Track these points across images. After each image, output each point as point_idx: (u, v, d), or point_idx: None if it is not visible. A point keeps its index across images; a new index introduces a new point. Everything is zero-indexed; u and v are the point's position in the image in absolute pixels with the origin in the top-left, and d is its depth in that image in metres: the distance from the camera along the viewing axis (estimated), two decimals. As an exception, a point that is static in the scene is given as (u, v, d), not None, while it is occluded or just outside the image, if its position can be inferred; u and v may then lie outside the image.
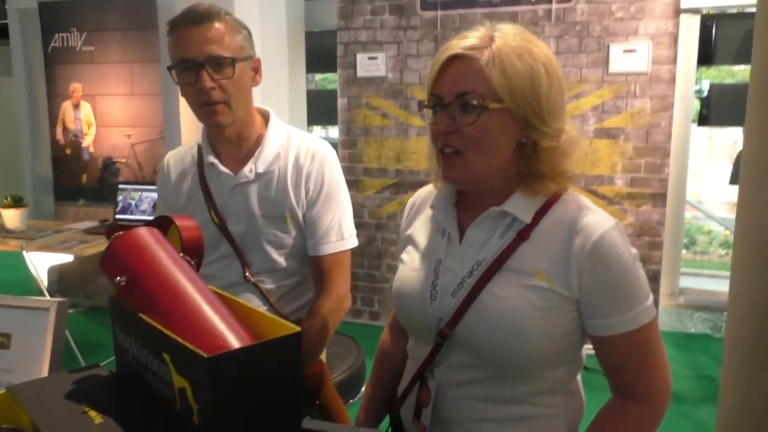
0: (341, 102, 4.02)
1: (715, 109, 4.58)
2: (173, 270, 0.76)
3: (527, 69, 0.96)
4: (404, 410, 1.16)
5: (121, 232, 0.84)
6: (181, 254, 0.84)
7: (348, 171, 4.01)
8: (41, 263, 3.34)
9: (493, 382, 1.03)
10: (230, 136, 1.37)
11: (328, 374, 1.57)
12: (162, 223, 0.90)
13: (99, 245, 3.36)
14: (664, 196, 3.47)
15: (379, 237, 4.06)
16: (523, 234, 1.02)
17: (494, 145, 0.99)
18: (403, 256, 1.18)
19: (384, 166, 3.98)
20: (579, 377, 1.12)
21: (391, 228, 4.01)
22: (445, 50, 1.00)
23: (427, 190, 1.23)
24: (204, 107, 1.30)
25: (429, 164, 1.10)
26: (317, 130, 7.06)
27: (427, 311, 1.05)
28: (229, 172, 1.40)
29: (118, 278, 0.76)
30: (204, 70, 1.25)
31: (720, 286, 4.89)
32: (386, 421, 1.28)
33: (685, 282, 4.42)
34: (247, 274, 1.40)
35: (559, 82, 1.00)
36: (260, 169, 1.39)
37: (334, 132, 7.67)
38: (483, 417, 1.04)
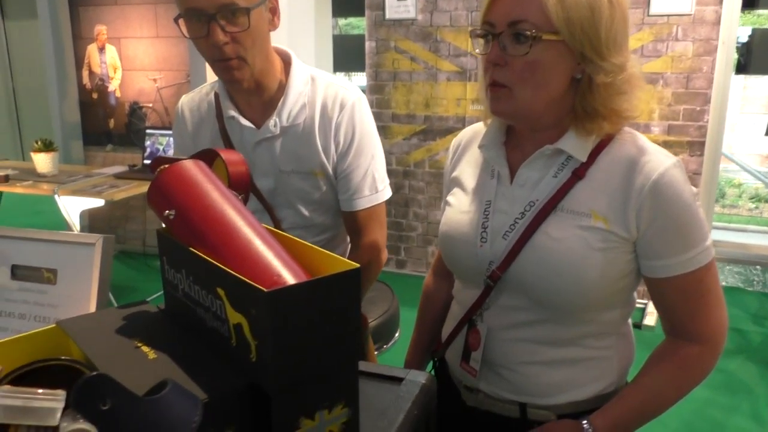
0: (369, 45, 3.92)
1: (756, 56, 4.39)
2: (223, 204, 0.73)
3: None
4: (450, 354, 1.14)
5: (167, 165, 0.81)
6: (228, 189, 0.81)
7: (375, 117, 3.91)
8: (73, 207, 3.36)
9: (545, 324, 1.01)
10: (249, 87, 1.26)
11: (366, 322, 1.56)
12: (206, 156, 0.87)
13: (128, 189, 3.37)
14: (702, 144, 3.37)
15: (406, 184, 4.02)
16: (579, 173, 0.98)
17: (545, 80, 0.94)
18: (450, 198, 1.14)
19: (412, 111, 3.91)
20: (630, 320, 1.10)
21: (419, 176, 3.97)
22: None
23: (473, 130, 1.19)
24: (218, 63, 1.19)
25: (479, 97, 1.05)
26: (341, 76, 6.94)
27: (477, 254, 1.03)
28: (252, 126, 1.30)
29: (167, 212, 0.74)
30: (215, 23, 1.12)
31: (750, 239, 4.80)
32: (430, 364, 1.27)
33: (714, 235, 4.35)
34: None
35: (623, 14, 0.93)
36: (285, 123, 1.29)
37: (357, 80, 7.56)
38: (534, 360, 1.02)
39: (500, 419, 1.07)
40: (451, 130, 3.83)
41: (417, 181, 3.99)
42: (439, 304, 1.25)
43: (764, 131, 8.46)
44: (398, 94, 3.91)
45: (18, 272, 0.93)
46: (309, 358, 0.62)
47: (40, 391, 0.50)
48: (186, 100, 1.42)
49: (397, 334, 1.79)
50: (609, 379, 1.05)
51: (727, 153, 5.33)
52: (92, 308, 0.88)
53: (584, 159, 0.97)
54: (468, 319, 1.07)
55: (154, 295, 3.75)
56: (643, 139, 1.00)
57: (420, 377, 0.85)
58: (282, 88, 1.30)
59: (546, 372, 1.03)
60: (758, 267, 4.29)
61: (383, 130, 3.94)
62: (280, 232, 0.75)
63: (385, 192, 1.39)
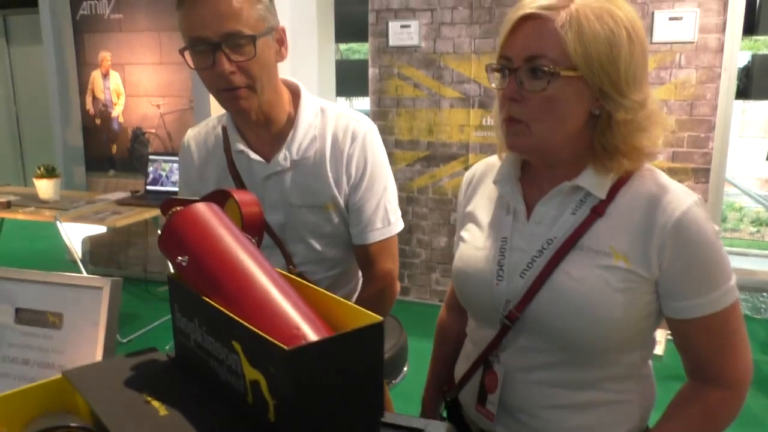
0: (372, 72, 3.93)
1: (756, 81, 4.40)
2: (238, 250, 0.71)
3: (607, 33, 0.88)
4: (464, 395, 1.11)
5: (178, 208, 0.78)
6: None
7: (379, 143, 3.94)
8: (74, 234, 3.34)
9: (564, 366, 0.97)
10: (258, 120, 1.23)
11: None
12: (218, 197, 0.85)
13: (130, 216, 3.35)
14: (707, 171, 3.35)
15: (410, 211, 3.99)
16: (598, 210, 0.95)
17: (563, 116, 0.92)
18: (464, 234, 1.11)
19: (416, 138, 3.90)
20: (650, 361, 1.07)
21: (422, 202, 3.95)
22: (518, 8, 0.92)
23: (486, 164, 1.17)
24: (225, 93, 1.15)
25: (495, 132, 1.03)
26: (342, 101, 6.97)
27: (493, 292, 1.00)
28: (262, 160, 1.27)
29: (180, 258, 0.71)
30: (221, 52, 1.09)
31: (753, 264, 4.76)
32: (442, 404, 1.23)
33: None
34: (290, 266, 1.31)
35: (642, 49, 0.92)
36: (295, 156, 1.26)
37: (358, 103, 7.58)
38: (553, 404, 0.99)
39: None
40: (455, 157, 3.82)
41: (420, 208, 3.97)
42: (455, 340, 1.22)
43: (765, 156, 8.49)
44: (401, 121, 3.91)
45: (22, 316, 0.90)
46: (331, 418, 0.59)
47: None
48: (192, 134, 1.40)
49: (405, 368, 1.75)
50: (630, 423, 1.02)
51: (728, 177, 5.34)
52: (99, 354, 0.84)
53: (603, 196, 0.95)
54: (484, 359, 1.04)
55: (155, 323, 3.70)
56: (663, 176, 0.97)
57: (440, 429, 0.81)
58: (291, 121, 1.27)
59: (566, 417, 0.99)
60: (765, 294, 4.24)
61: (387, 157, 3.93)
62: (296, 278, 0.73)
63: (398, 224, 1.36)
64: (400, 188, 3.96)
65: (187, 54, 1.14)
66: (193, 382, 0.72)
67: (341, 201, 1.29)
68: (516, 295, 0.97)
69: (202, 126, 1.40)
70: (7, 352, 0.89)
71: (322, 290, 0.69)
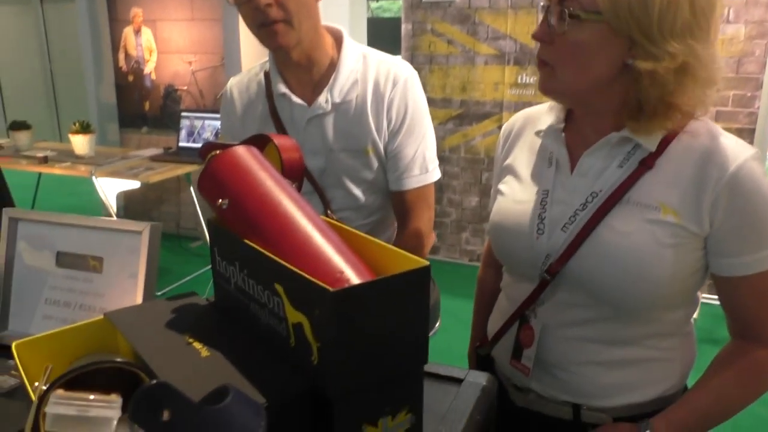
0: (405, 28, 3.83)
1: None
2: (280, 194, 0.69)
3: None
4: (498, 351, 1.09)
5: (218, 151, 0.77)
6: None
7: (411, 101, 3.87)
8: (109, 189, 3.38)
9: (605, 322, 0.95)
10: (299, 60, 1.23)
11: None
12: (258, 142, 0.83)
13: (164, 172, 3.37)
14: (752, 132, 3.22)
15: (441, 170, 3.94)
16: (648, 162, 0.91)
17: (587, 62, 0.87)
18: (502, 187, 1.08)
19: (449, 96, 3.82)
20: (693, 320, 1.03)
21: (454, 161, 3.89)
22: None
23: (525, 115, 1.13)
24: (263, 28, 1.15)
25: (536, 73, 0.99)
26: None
27: (533, 246, 0.97)
28: (303, 103, 1.27)
29: (220, 201, 0.70)
30: None
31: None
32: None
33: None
34: (328, 211, 1.31)
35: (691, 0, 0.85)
36: (337, 99, 1.25)
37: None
38: (591, 360, 0.96)
39: (551, 420, 1.01)
40: (488, 115, 3.75)
41: (452, 167, 3.92)
42: (491, 296, 1.20)
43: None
44: (434, 78, 3.83)
45: (63, 259, 0.90)
46: (374, 362, 0.58)
47: (93, 397, 0.47)
48: (235, 82, 1.39)
49: (437, 324, 1.75)
50: (671, 381, 0.99)
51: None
52: (139, 298, 0.85)
53: (653, 148, 0.91)
54: (520, 314, 1.02)
55: (189, 277, 3.77)
56: (718, 128, 0.92)
57: (481, 378, 0.80)
58: (333, 65, 1.26)
59: (604, 373, 0.97)
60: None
61: (418, 115, 3.87)
62: (339, 224, 0.71)
63: (435, 173, 1.35)
64: (432, 147, 3.91)
65: None
66: (233, 326, 0.71)
67: (381, 146, 1.28)
68: (557, 249, 0.94)
69: (245, 73, 1.39)
70: (49, 295, 0.90)
71: (364, 235, 0.67)
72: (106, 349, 0.74)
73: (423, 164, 1.31)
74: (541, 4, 0.91)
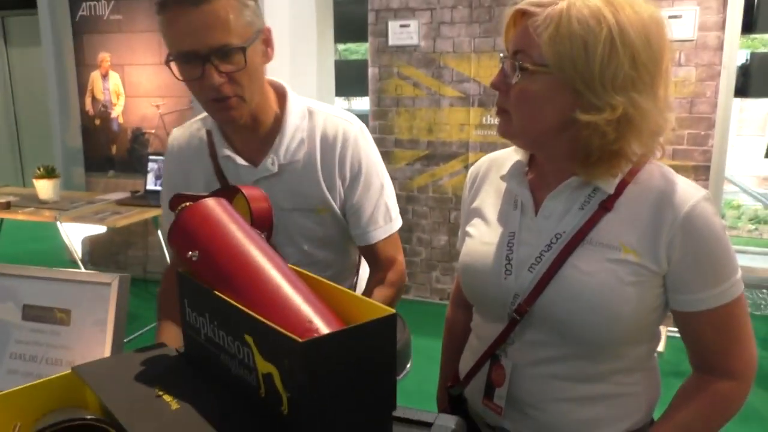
0: (372, 71, 3.92)
1: (754, 79, 4.40)
2: (249, 245, 0.71)
3: (583, 34, 0.86)
4: (470, 390, 1.11)
5: (188, 203, 0.78)
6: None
7: (379, 142, 3.91)
8: (74, 234, 3.33)
9: (573, 360, 0.98)
10: (245, 124, 1.18)
11: None
12: (226, 194, 0.85)
13: (130, 216, 3.34)
14: (707, 168, 3.36)
15: (410, 210, 3.99)
16: (606, 205, 0.96)
17: (537, 110, 0.93)
18: (469, 229, 1.11)
19: (416, 137, 3.90)
20: (656, 355, 1.07)
21: (423, 201, 3.95)
22: (516, 3, 0.94)
23: (490, 159, 1.17)
24: (214, 103, 1.11)
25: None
26: (340, 101, 6.96)
27: (501, 287, 1.00)
28: (249, 165, 1.23)
29: (190, 253, 0.71)
30: (210, 64, 1.05)
31: (752, 262, 4.77)
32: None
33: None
34: None
35: (632, 54, 0.87)
36: (282, 160, 1.22)
37: (357, 104, 7.59)
38: (561, 397, 0.99)
39: None
40: (455, 155, 3.82)
41: (421, 206, 3.97)
42: (463, 336, 1.22)
43: (763, 154, 8.50)
44: (401, 120, 3.91)
45: (29, 312, 0.90)
46: (344, 410, 0.59)
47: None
48: (175, 136, 1.34)
49: (408, 365, 1.75)
50: (637, 415, 1.02)
51: (727, 175, 5.34)
52: (108, 350, 0.84)
53: (611, 191, 0.95)
54: (491, 354, 1.04)
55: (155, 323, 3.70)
56: (670, 171, 0.98)
57: (450, 422, 0.81)
58: (279, 122, 1.23)
59: (574, 410, 0.99)
60: (765, 290, 4.25)
61: (386, 156, 3.93)
62: (306, 273, 0.73)
63: (398, 219, 1.36)
64: (400, 187, 3.96)
65: (173, 64, 1.10)
66: (203, 377, 0.71)
67: (336, 204, 1.27)
68: (524, 289, 0.98)
69: (185, 128, 1.34)
70: (14, 349, 0.89)
71: (332, 284, 0.69)
72: (75, 404, 0.73)
73: (386, 214, 1.32)
74: (501, 55, 0.96)
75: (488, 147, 3.67)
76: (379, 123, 3.95)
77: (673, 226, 0.91)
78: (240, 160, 1.23)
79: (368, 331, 0.59)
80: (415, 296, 4.10)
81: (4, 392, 0.69)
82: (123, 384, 0.70)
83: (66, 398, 0.73)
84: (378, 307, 0.62)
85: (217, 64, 1.06)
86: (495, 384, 1.03)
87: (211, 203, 0.75)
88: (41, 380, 0.72)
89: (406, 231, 4.03)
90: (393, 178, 4.31)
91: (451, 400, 1.20)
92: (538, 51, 0.88)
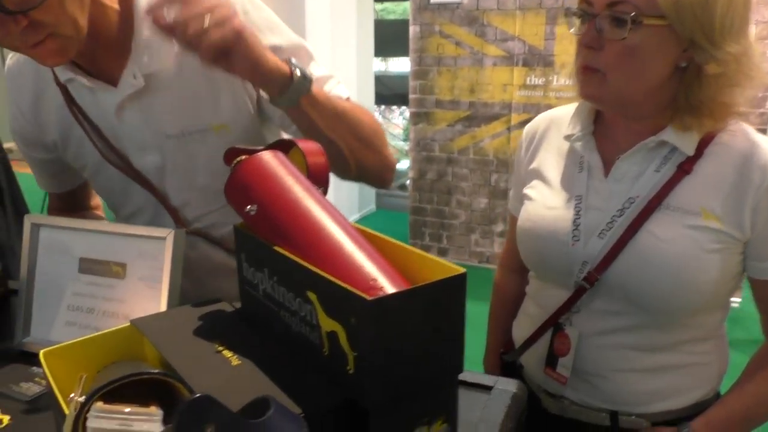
0: (413, 30, 3.83)
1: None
2: (309, 200, 0.68)
3: None
4: (529, 358, 1.08)
5: (244, 157, 0.76)
6: (307, 183, 0.76)
7: (419, 103, 3.87)
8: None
9: (644, 329, 0.94)
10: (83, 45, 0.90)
11: None
12: (281, 147, 0.82)
13: None
14: (763, 131, 3.21)
15: (449, 172, 3.93)
16: (685, 167, 0.90)
17: (643, 68, 0.86)
18: (529, 192, 1.07)
19: (457, 98, 3.81)
20: (725, 322, 1.03)
21: (463, 163, 3.88)
22: None
23: (549, 117, 1.11)
24: (31, 51, 0.86)
25: (571, 78, 0.97)
26: (377, 62, 6.84)
27: (568, 254, 0.95)
28: (106, 86, 0.96)
29: (248, 207, 0.69)
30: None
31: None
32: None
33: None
34: (180, 227, 1.02)
35: None
36: (149, 69, 0.95)
37: (394, 65, 7.47)
38: (630, 367, 0.96)
39: (587, 427, 1.00)
40: (497, 117, 3.73)
41: (461, 169, 3.91)
42: (514, 302, 1.19)
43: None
44: (442, 80, 3.82)
45: (85, 265, 0.90)
46: (412, 371, 0.57)
47: (133, 410, 0.46)
48: (12, 63, 1.05)
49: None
50: (708, 386, 0.99)
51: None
52: (163, 304, 0.84)
53: (691, 152, 0.90)
54: (554, 322, 1.00)
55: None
56: (753, 132, 0.92)
57: (510, 386, 0.79)
58: (126, 21, 0.95)
59: (642, 380, 0.96)
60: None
61: (426, 117, 3.86)
62: (368, 230, 0.70)
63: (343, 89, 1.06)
64: (441, 149, 3.90)
65: None
66: (263, 333, 0.70)
67: (250, 109, 1.01)
68: (594, 256, 0.93)
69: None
70: (71, 301, 0.89)
71: (396, 241, 0.66)
72: (133, 357, 0.73)
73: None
74: (573, 10, 0.90)
75: (531, 108, 3.57)
76: (420, 83, 3.88)
77: (759, 190, 0.86)
78: (88, 82, 0.96)
79: (438, 291, 0.57)
80: (453, 258, 4.07)
81: (66, 343, 0.69)
82: (181, 338, 0.69)
83: (125, 351, 0.73)
84: (446, 266, 0.59)
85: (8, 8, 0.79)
86: (558, 353, 1.00)
87: (269, 156, 0.73)
88: (101, 332, 0.71)
89: (445, 193, 3.98)
90: (432, 140, 4.24)
91: (504, 366, 1.17)
92: (647, 1, 0.81)
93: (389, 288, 0.59)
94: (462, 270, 0.58)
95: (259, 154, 0.73)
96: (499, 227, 3.87)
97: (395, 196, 5.38)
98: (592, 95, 0.92)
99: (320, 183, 0.78)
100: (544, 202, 1.02)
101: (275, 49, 0.93)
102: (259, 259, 0.70)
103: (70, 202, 1.28)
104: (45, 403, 0.78)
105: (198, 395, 0.41)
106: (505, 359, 1.15)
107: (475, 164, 3.87)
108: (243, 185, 0.71)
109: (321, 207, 0.68)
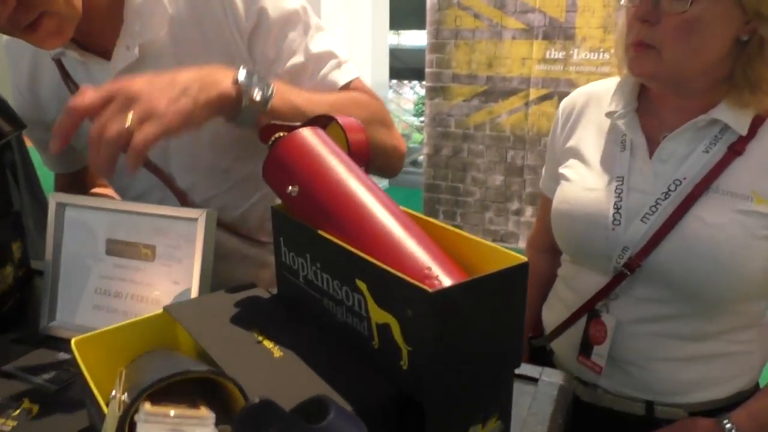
0: (430, 2, 3.73)
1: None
2: (354, 180, 0.64)
3: None
4: (560, 344, 1.04)
5: (282, 134, 0.72)
6: (348, 162, 0.71)
7: (435, 77, 3.79)
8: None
9: (685, 318, 0.90)
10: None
11: None
12: (318, 123, 0.78)
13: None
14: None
15: (465, 148, 3.87)
16: (737, 147, 0.85)
17: (703, 42, 0.81)
18: (566, 171, 1.02)
19: (474, 72, 3.73)
20: None
21: (479, 139, 3.81)
22: None
23: (587, 93, 1.06)
24: (25, 35, 0.82)
25: (615, 50, 0.92)
26: (392, 35, 6.73)
27: (608, 238, 0.91)
28: (98, 59, 0.92)
29: (290, 188, 0.65)
30: None
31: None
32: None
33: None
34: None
35: None
36: (143, 39, 0.91)
37: (406, 38, 7.35)
38: (669, 356, 0.92)
39: (621, 415, 0.97)
40: (515, 92, 3.66)
41: (476, 145, 3.84)
42: (544, 284, 1.15)
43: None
44: (460, 54, 3.74)
45: (113, 247, 0.86)
46: (470, 367, 0.54)
47: (178, 413, 0.43)
48: (9, 39, 0.98)
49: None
50: (749, 375, 0.95)
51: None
52: (195, 288, 0.80)
53: (744, 132, 0.85)
54: (589, 308, 0.97)
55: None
56: None
57: (556, 377, 0.76)
58: None
59: (681, 369, 0.92)
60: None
61: (443, 91, 3.78)
62: (417, 214, 0.66)
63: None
64: (456, 124, 3.83)
65: None
66: (303, 322, 0.66)
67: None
68: (636, 241, 0.89)
69: None
70: (98, 284, 0.86)
71: (448, 226, 0.62)
72: (166, 345, 0.70)
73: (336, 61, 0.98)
74: None
75: (551, 83, 3.49)
76: (436, 57, 3.79)
77: None
78: (80, 56, 0.92)
79: (501, 281, 0.53)
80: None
81: (98, 331, 0.66)
82: (218, 327, 0.66)
83: (158, 338, 0.69)
84: (506, 254, 0.55)
85: None
86: (593, 341, 0.96)
87: (310, 133, 0.69)
88: (134, 320, 0.68)
89: (459, 170, 3.92)
90: (449, 115, 4.16)
91: (532, 351, 1.14)
92: None
93: (444, 278, 0.55)
94: (524, 259, 0.54)
95: (300, 130, 0.69)
96: (515, 205, 3.82)
97: (409, 173, 5.33)
98: (646, 73, 0.87)
99: (361, 161, 0.74)
100: (583, 183, 0.97)
101: (261, 13, 0.90)
102: (301, 244, 0.66)
103: (79, 182, 1.24)
104: (75, 391, 0.76)
105: (258, 400, 0.38)
106: (533, 344, 1.12)
107: (492, 140, 3.80)
108: (283, 164, 0.67)
109: (367, 188, 0.64)
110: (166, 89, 0.72)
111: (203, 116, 0.75)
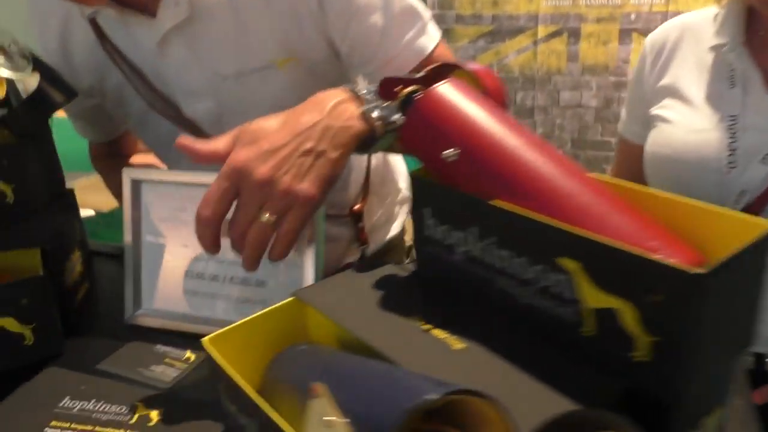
0: (430, -64, 3.54)
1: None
2: (524, 138, 0.54)
3: None
4: None
5: (416, 88, 0.61)
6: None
7: (438, 19, 3.62)
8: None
9: None
10: None
11: None
12: (440, 74, 0.67)
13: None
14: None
15: (471, 92, 3.75)
16: None
17: None
18: (662, 113, 0.93)
19: (479, 11, 3.57)
20: None
21: (485, 82, 3.69)
22: None
23: (680, 25, 0.97)
24: None
25: None
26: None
27: (722, 183, 0.83)
28: (141, 16, 0.80)
29: (450, 151, 0.55)
30: None
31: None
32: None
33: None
34: None
35: None
36: None
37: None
38: None
39: None
40: (522, 30, 3.52)
41: (483, 88, 3.72)
42: None
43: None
44: (463, -8, 3.57)
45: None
46: (717, 356, 0.46)
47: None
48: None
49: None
50: None
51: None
52: (308, 271, 0.71)
53: None
54: None
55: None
56: None
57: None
58: None
59: None
60: None
61: (446, 33, 3.62)
62: (603, 176, 0.57)
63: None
64: (462, 68, 3.70)
65: None
66: (468, 305, 0.58)
67: (319, 42, 0.83)
68: (756, 185, 0.81)
69: None
70: (189, 267, 0.76)
71: (650, 189, 0.53)
72: (297, 335, 0.61)
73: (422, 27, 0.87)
74: None
75: (560, 19, 3.35)
76: (440, -4, 3.63)
77: None
78: (118, 14, 0.80)
79: (750, 255, 0.44)
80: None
81: (231, 326, 0.56)
82: (371, 315, 0.57)
83: (290, 329, 0.61)
84: (747, 221, 0.47)
85: None
86: None
87: (454, 86, 0.58)
88: (265, 310, 0.59)
89: (467, 115, 3.81)
90: (463, 58, 4.00)
91: None
92: None
93: (672, 254, 0.46)
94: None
95: (443, 84, 0.58)
96: (525, 148, 3.74)
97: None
98: None
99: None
100: (687, 125, 0.89)
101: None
102: (463, 216, 0.56)
103: (114, 150, 1.13)
104: (190, 390, 0.67)
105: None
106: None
107: (500, 83, 3.68)
108: (432, 125, 0.57)
109: (543, 148, 0.54)
110: (292, 155, 0.60)
111: (340, 172, 0.64)
